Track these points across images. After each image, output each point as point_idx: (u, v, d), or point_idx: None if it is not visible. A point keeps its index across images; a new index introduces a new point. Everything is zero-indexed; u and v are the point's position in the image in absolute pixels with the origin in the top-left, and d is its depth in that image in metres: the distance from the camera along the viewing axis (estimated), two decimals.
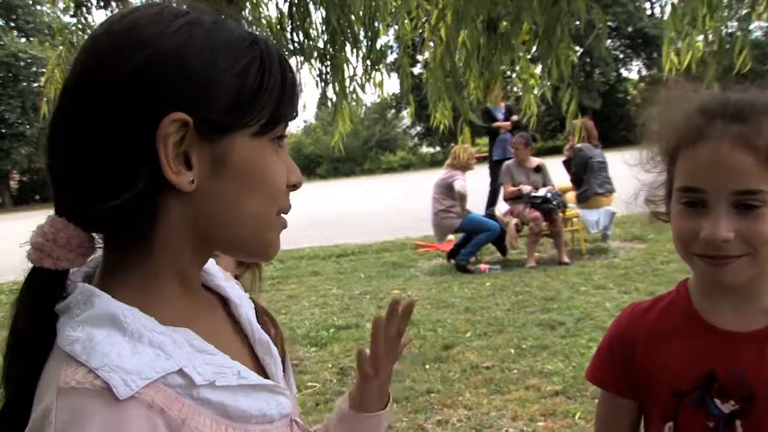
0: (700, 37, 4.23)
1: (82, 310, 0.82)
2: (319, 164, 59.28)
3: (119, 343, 0.79)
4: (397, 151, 60.29)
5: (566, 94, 4.16)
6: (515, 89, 5.07)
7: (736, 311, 1.29)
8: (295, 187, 0.96)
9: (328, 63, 3.98)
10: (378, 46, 4.32)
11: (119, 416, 0.74)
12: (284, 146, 0.94)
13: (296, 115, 0.95)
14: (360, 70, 4.25)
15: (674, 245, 1.28)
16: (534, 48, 4.40)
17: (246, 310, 1.05)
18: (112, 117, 0.81)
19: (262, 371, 1.01)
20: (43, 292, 0.86)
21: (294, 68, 0.94)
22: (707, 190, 1.19)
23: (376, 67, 4.19)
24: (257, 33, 0.91)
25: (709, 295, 1.32)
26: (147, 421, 0.75)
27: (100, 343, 0.78)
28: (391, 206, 20.65)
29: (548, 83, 4.10)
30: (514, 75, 5.05)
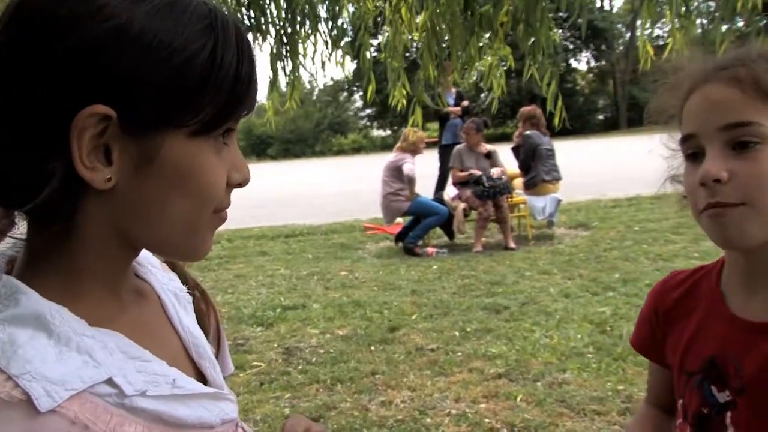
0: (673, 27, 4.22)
1: (5, 307, 0.75)
2: (270, 145, 58.94)
3: (44, 348, 0.72)
4: (349, 134, 60.25)
5: (546, 75, 4.13)
6: (477, 72, 4.99)
7: (755, 298, 1.20)
8: (239, 185, 0.88)
9: (286, 42, 3.89)
10: (339, 24, 4.24)
11: (35, 431, 0.67)
12: (232, 141, 0.86)
13: (249, 111, 0.85)
14: (321, 48, 4.17)
15: (691, 213, 1.20)
16: (512, 31, 4.38)
17: (176, 307, 0.98)
18: (25, 102, 0.73)
19: (198, 373, 0.95)
20: None
21: (252, 54, 0.84)
22: (699, 132, 1.13)
23: (337, 46, 4.11)
24: (217, 13, 0.81)
25: (735, 272, 1.24)
26: None
27: (22, 347, 0.71)
28: (341, 188, 20.64)
29: (531, 65, 4.05)
30: (481, 58, 4.98)
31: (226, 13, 0.82)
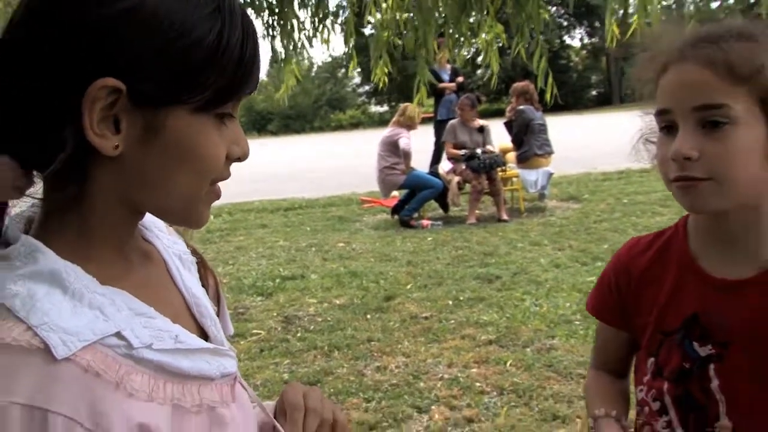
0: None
1: (25, 264, 0.80)
2: (270, 120, 58.71)
3: (59, 302, 0.77)
4: (347, 110, 60.04)
5: (536, 51, 4.14)
6: (472, 49, 4.98)
7: (727, 257, 1.27)
8: (239, 159, 0.92)
9: (276, 17, 3.88)
10: (327, 1, 4.22)
11: (51, 377, 0.72)
12: (234, 118, 0.90)
13: (251, 91, 0.89)
14: (308, 25, 4.16)
15: (661, 178, 1.26)
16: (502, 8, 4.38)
17: (179, 268, 1.03)
18: (45, 71, 0.77)
19: (200, 330, 1.00)
20: None
21: (256, 37, 0.88)
22: (673, 109, 1.18)
23: (324, 24, 4.11)
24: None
25: (704, 237, 1.31)
26: (78, 383, 0.74)
27: (40, 300, 0.76)
28: (339, 163, 20.63)
29: (519, 44, 4.05)
30: (476, 35, 4.97)
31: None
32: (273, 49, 4.63)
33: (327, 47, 4.27)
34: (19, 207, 0.90)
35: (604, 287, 1.46)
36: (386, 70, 4.56)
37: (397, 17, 4.62)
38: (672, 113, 1.19)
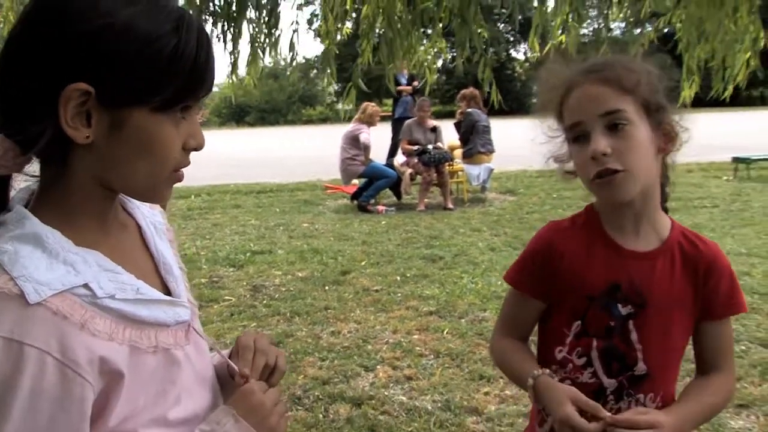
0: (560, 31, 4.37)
1: (15, 227, 0.88)
2: (248, 113, 58.01)
3: (38, 259, 0.85)
4: (317, 106, 59.56)
5: (480, 64, 4.21)
6: (417, 60, 5.00)
7: (635, 233, 1.40)
8: (195, 149, 0.98)
9: (233, 24, 3.84)
10: (278, 11, 4.16)
11: (26, 317, 0.80)
12: (191, 114, 0.95)
13: (205, 94, 0.95)
14: (263, 33, 4.10)
15: (582, 182, 1.37)
16: (448, 23, 4.42)
17: (153, 235, 1.09)
18: (34, 72, 0.85)
19: (165, 287, 1.05)
20: None
21: (210, 49, 0.94)
22: (584, 120, 1.31)
23: (273, 31, 4.06)
24: (185, 16, 0.90)
25: (615, 219, 1.41)
26: (49, 323, 0.81)
27: (22, 257, 0.83)
28: (308, 153, 20.51)
29: (464, 55, 4.10)
30: (421, 48, 5.01)
31: (192, 16, 0.93)
32: (255, 51, 4.58)
33: (274, 53, 4.22)
34: (27, 182, 0.97)
35: (527, 262, 1.51)
36: (331, 78, 4.58)
37: (340, 29, 4.64)
38: (583, 124, 1.32)
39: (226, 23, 3.81)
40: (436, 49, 5.22)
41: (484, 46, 4.34)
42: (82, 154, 0.89)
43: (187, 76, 0.90)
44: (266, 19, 3.87)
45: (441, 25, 4.40)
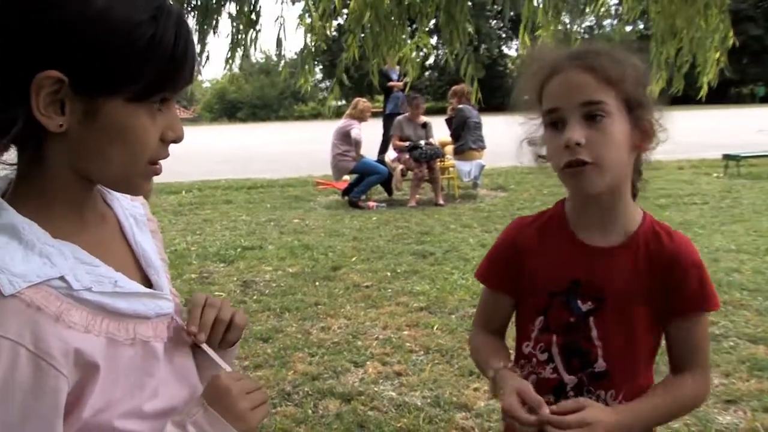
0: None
1: None
2: (240, 109, 58.05)
3: (14, 250, 0.83)
4: (309, 102, 59.51)
5: (463, 60, 4.20)
6: (403, 55, 4.99)
7: (601, 229, 1.38)
8: (174, 141, 0.96)
9: (214, 18, 3.82)
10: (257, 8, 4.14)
11: (1, 309, 0.79)
12: (170, 106, 0.94)
13: (184, 85, 0.94)
14: (238, 29, 4.07)
15: (552, 168, 1.35)
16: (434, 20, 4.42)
17: (133, 227, 1.07)
18: (5, 58, 0.83)
19: (147, 280, 1.04)
20: None
21: (190, 39, 0.92)
22: (562, 107, 1.28)
23: (254, 28, 4.02)
24: (165, 5, 0.88)
25: (581, 214, 1.40)
26: (23, 315, 0.80)
27: None
28: (299, 148, 20.50)
29: (454, 51, 4.10)
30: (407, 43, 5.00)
31: (172, 5, 0.91)
32: (238, 47, 4.55)
33: (254, 49, 4.20)
34: (5, 172, 0.95)
35: (494, 258, 1.52)
36: (309, 78, 4.58)
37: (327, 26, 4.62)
38: (560, 110, 1.29)
39: (201, 17, 3.78)
40: (420, 45, 5.20)
41: (470, 43, 4.33)
42: (56, 143, 0.88)
43: (164, 67, 0.88)
44: (247, 13, 3.84)
45: (427, 20, 4.39)
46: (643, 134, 1.32)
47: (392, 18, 4.06)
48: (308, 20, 4.41)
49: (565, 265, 1.40)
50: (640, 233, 1.38)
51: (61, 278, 0.86)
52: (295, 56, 4.99)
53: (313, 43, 4.43)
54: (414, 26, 4.86)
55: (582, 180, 1.28)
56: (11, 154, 0.92)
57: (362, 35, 4.46)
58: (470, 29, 4.25)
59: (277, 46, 4.19)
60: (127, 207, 1.09)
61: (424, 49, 5.38)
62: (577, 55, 1.31)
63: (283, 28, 4.03)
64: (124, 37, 0.84)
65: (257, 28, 4.05)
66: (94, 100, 0.86)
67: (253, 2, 3.95)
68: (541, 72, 1.34)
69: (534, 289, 1.43)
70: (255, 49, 4.20)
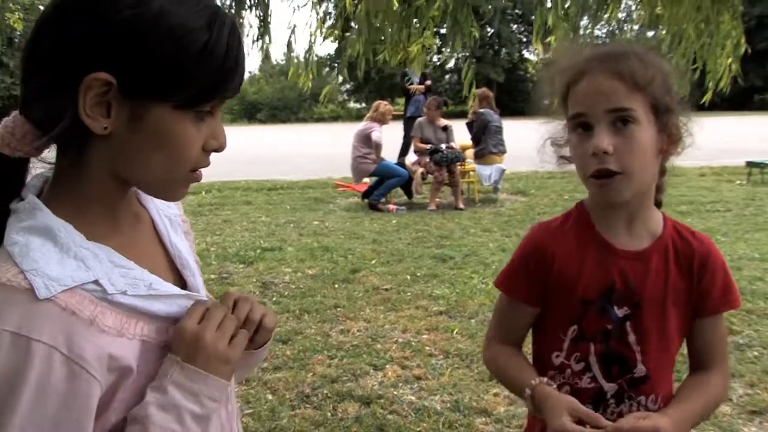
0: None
1: (27, 217, 0.86)
2: (260, 110, 58.22)
3: (49, 252, 0.83)
4: (328, 104, 59.65)
5: (465, 65, 4.21)
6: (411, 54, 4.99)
7: (627, 232, 1.36)
8: (216, 150, 0.95)
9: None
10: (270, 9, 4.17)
11: (35, 312, 0.79)
12: (215, 114, 0.93)
13: (231, 95, 0.92)
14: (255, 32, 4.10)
15: (577, 172, 1.32)
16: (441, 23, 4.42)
17: (167, 228, 1.06)
18: (58, 57, 0.83)
19: (182, 281, 1.04)
20: (3, 176, 0.90)
21: (241, 49, 0.90)
22: (589, 112, 1.26)
23: (265, 30, 4.05)
24: (218, 14, 0.87)
25: (606, 218, 1.37)
26: (57, 319, 0.80)
27: (33, 250, 0.82)
28: (318, 150, 20.53)
29: (464, 54, 4.13)
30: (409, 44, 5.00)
31: (226, 13, 0.90)
32: (264, 49, 4.59)
33: (264, 52, 4.23)
34: (42, 169, 0.96)
35: (517, 265, 1.46)
36: (310, 77, 4.61)
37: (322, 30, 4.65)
38: (587, 116, 1.27)
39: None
40: (422, 45, 5.18)
41: (490, 47, 4.35)
42: (99, 145, 0.87)
43: (215, 76, 0.87)
44: (261, 17, 3.87)
45: (433, 23, 4.40)
46: (670, 139, 1.30)
47: (399, 18, 4.06)
48: (315, 23, 4.43)
49: (597, 271, 1.37)
50: (666, 235, 1.38)
51: (96, 282, 0.85)
52: (317, 59, 5.01)
53: (318, 44, 4.46)
54: (419, 27, 4.85)
55: (610, 191, 1.27)
56: (51, 153, 0.92)
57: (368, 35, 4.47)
58: (476, 34, 4.24)
59: (288, 50, 4.22)
60: (162, 208, 1.08)
61: (443, 53, 5.39)
62: (606, 57, 1.28)
63: (293, 33, 4.06)
64: (177, 43, 0.83)
65: (270, 31, 4.08)
66: (141, 104, 0.85)
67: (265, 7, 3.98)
68: (568, 73, 1.31)
69: (563, 297, 1.39)
70: (263, 54, 4.23)
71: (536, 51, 4.56)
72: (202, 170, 0.96)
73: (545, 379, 1.36)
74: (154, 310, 0.92)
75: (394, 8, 4.04)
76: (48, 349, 0.78)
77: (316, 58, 4.62)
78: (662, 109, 1.27)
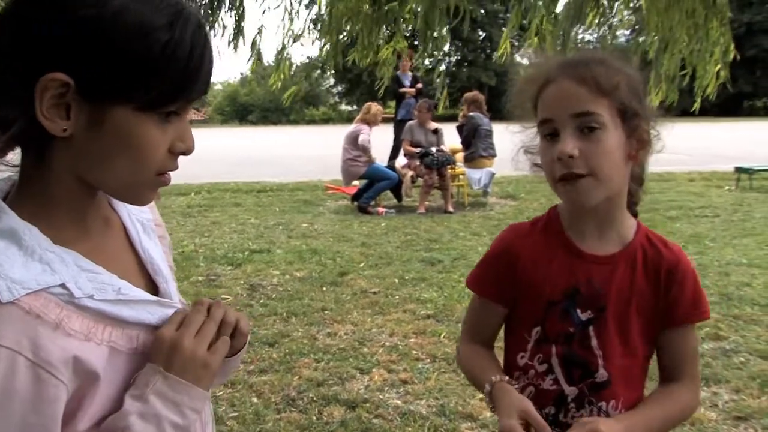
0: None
1: None
2: (251, 112, 58.25)
3: (14, 256, 0.80)
4: (320, 107, 59.72)
5: (436, 69, 4.22)
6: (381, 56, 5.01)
7: (597, 237, 1.36)
8: (184, 153, 0.92)
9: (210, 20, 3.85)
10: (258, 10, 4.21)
11: None
12: (181, 116, 0.90)
13: (198, 96, 0.89)
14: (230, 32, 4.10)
15: (546, 179, 1.32)
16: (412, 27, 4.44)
17: (139, 233, 1.04)
18: (14, 56, 0.80)
19: (154, 287, 1.01)
20: None
21: (207, 48, 0.87)
22: (555, 118, 1.26)
23: (239, 32, 4.05)
24: (182, 12, 0.84)
25: (577, 222, 1.38)
26: (21, 322, 0.78)
27: None
28: (309, 153, 20.51)
29: (436, 57, 4.13)
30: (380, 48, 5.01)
31: (192, 11, 0.86)
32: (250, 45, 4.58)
33: (251, 53, 4.25)
34: (9, 173, 0.93)
35: (487, 265, 1.48)
36: (282, 77, 4.63)
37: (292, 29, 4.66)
38: (554, 121, 1.27)
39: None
40: (393, 49, 5.18)
41: (444, 52, 4.37)
42: (60, 148, 0.85)
43: (178, 76, 0.84)
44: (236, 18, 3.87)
45: (405, 25, 4.40)
46: (639, 143, 1.31)
47: (370, 21, 4.06)
48: (287, 24, 4.43)
49: (563, 273, 1.37)
50: (637, 242, 1.38)
51: (62, 285, 0.83)
52: (307, 61, 5.03)
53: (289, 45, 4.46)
54: (390, 30, 4.86)
55: (578, 193, 1.27)
56: (15, 156, 0.90)
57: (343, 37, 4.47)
58: (446, 39, 4.24)
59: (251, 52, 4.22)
60: (134, 212, 1.06)
61: (435, 56, 5.41)
62: (570, 64, 1.30)
63: (260, 34, 4.06)
64: (138, 42, 0.81)
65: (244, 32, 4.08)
66: (101, 106, 0.83)
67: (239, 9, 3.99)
68: (536, 81, 1.33)
69: (529, 298, 1.40)
70: (255, 56, 4.23)
71: (504, 53, 4.56)
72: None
73: (506, 378, 1.36)
74: (123, 316, 0.89)
75: (364, 10, 4.03)
76: (11, 353, 0.76)
77: (288, 59, 4.60)
78: (629, 114, 1.27)
